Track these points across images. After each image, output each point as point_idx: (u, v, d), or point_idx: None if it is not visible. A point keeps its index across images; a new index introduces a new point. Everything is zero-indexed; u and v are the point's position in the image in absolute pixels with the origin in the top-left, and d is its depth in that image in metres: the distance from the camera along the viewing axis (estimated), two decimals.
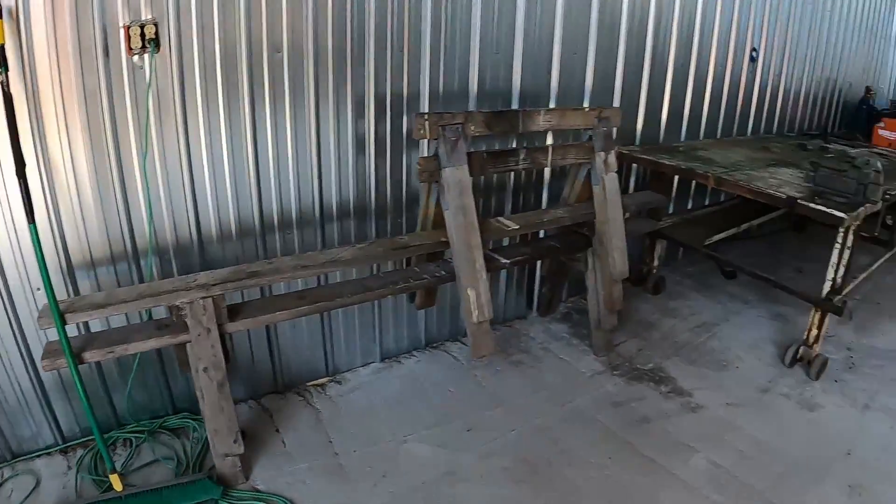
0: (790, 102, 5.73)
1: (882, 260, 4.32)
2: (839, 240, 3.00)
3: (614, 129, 3.02)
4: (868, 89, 6.90)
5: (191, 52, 2.25)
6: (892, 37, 7.48)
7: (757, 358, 3.35)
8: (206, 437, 2.23)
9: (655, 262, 3.93)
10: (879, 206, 3.26)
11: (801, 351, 3.44)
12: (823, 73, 6.17)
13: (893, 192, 3.51)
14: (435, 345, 3.21)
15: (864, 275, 3.94)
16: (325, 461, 2.35)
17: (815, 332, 3.38)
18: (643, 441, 2.60)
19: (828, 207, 2.86)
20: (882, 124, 6.34)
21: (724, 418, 2.82)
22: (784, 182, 3.49)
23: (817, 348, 3.42)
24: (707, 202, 4.98)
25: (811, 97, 6.12)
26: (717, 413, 2.85)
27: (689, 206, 4.39)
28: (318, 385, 2.83)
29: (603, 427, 2.70)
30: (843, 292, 3.39)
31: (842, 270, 3.23)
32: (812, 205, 3.04)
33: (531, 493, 2.30)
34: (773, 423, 2.81)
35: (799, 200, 3.08)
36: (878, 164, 3.31)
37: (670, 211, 4.15)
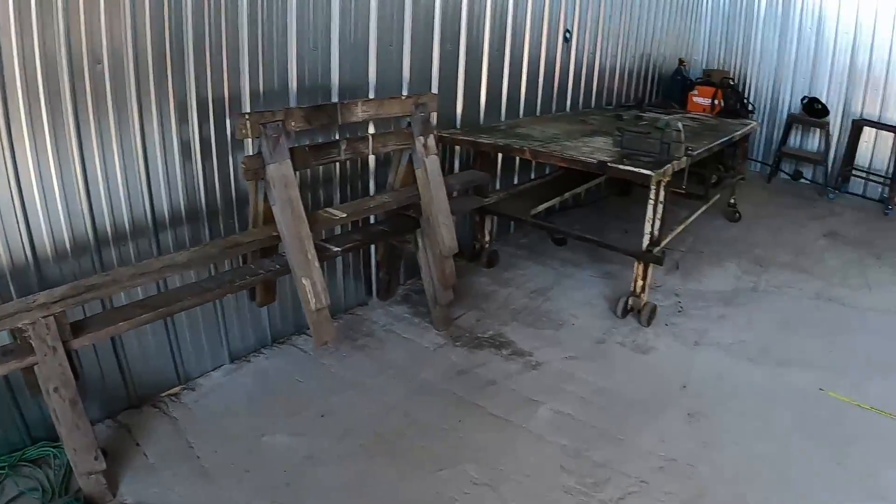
0: (606, 77, 7.24)
1: (699, 212, 5.85)
2: (652, 196, 3.88)
3: (433, 115, 3.65)
4: (681, 61, 8.74)
5: (11, 68, 2.44)
6: (702, 12, 9.59)
7: (591, 314, 4.27)
8: (68, 461, 2.49)
9: (487, 237, 4.87)
10: (684, 162, 4.48)
11: (630, 301, 4.51)
12: (638, 48, 7.77)
13: (698, 150, 4.93)
14: (281, 340, 3.72)
15: (681, 227, 5.35)
16: (188, 466, 2.74)
17: (640, 282, 4.47)
18: (491, 402, 3.26)
19: (635, 167, 3.76)
20: (695, 92, 8.22)
21: (565, 371, 3.59)
22: (597, 149, 4.26)
23: (645, 297, 4.57)
24: (533, 176, 6.32)
25: (628, 71, 7.69)
26: (557, 367, 3.61)
27: (516, 182, 5.56)
28: (172, 394, 3.22)
29: (451, 395, 3.31)
30: (662, 244, 4.51)
31: (658, 224, 4.03)
32: (621, 166, 3.83)
33: (388, 463, 2.80)
34: (610, 370, 3.62)
35: (609, 164, 3.85)
36: (679, 125, 4.61)
37: (497, 187, 5.32)
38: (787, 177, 9.67)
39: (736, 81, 9.48)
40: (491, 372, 3.54)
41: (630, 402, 3.37)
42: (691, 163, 4.47)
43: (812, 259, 6.20)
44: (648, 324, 4.22)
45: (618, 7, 6.36)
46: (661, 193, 3.92)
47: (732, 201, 7.04)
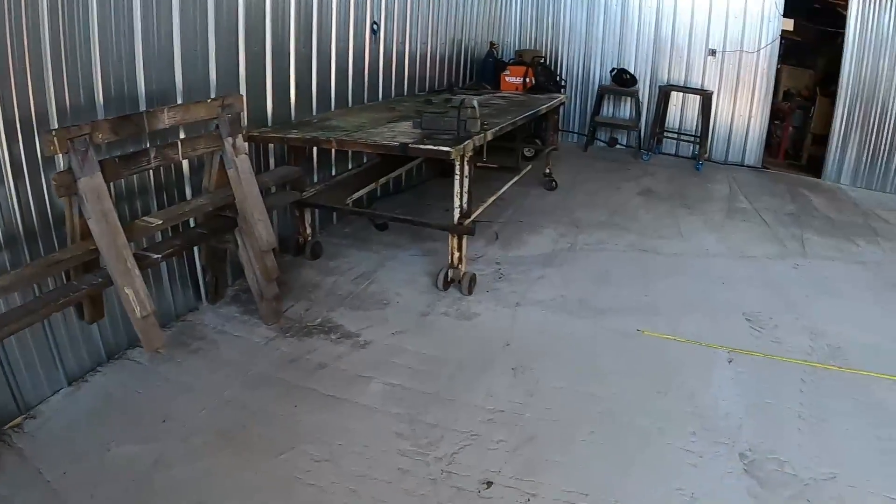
0: (418, 65, 7.92)
1: (510, 183, 6.66)
2: (457, 172, 4.30)
3: (241, 115, 3.94)
4: (492, 44, 9.71)
5: None
6: None
7: (415, 290, 4.66)
8: None
9: (308, 230, 5.12)
10: (482, 137, 4.92)
11: (450, 273, 4.69)
12: (449, 34, 8.57)
13: (501, 124, 5.55)
14: (117, 355, 3.80)
15: (493, 198, 6.11)
16: (39, 492, 2.80)
17: (457, 254, 4.66)
18: (323, 384, 3.50)
19: (435, 145, 4.14)
20: (507, 72, 9.21)
21: (393, 346, 3.92)
22: (401, 133, 4.58)
23: (463, 267, 5.06)
24: (350, 166, 6.80)
25: (440, 57, 8.45)
26: (385, 343, 3.93)
27: (334, 173, 6.11)
28: (14, 426, 3.24)
29: (285, 383, 3.55)
30: (472, 216, 5.10)
31: (465, 197, 4.47)
32: (421, 146, 4.19)
33: (232, 455, 2.98)
34: (436, 339, 4.01)
35: (410, 145, 4.19)
36: (475, 103, 5.21)
37: (316, 180, 5.81)
38: (603, 144, 10.99)
39: (547, 59, 10.65)
40: (321, 356, 3.81)
41: (457, 365, 3.74)
42: (495, 137, 5.12)
43: (627, 216, 7.26)
44: (470, 292, 4.68)
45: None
46: (466, 168, 4.35)
47: (548, 171, 7.99)
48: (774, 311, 4.86)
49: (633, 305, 4.74)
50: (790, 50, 13.69)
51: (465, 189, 4.51)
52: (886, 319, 4.92)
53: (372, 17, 6.16)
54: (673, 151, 10.78)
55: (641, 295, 4.93)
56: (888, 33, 10.00)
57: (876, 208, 9.24)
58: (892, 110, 10.27)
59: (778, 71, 13.19)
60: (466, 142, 4.30)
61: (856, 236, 7.48)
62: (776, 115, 12.18)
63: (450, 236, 4.61)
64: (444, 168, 7.82)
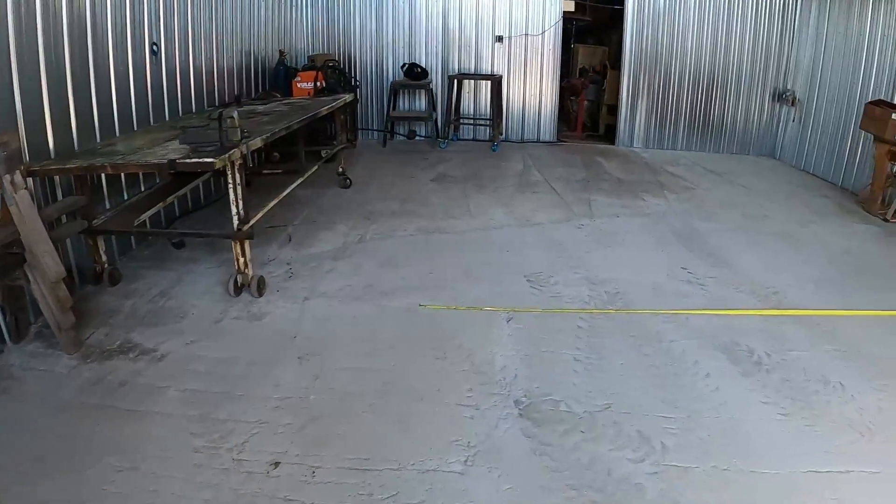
0: (205, 80, 8.03)
1: (293, 186, 6.88)
2: (230, 180, 4.54)
3: (19, 151, 4.02)
4: (281, 52, 10.15)
5: None
6: (301, 4, 11.30)
7: (210, 300, 4.82)
8: None
9: (104, 257, 5.14)
10: (246, 145, 5.12)
11: (239, 279, 4.87)
12: (237, 47, 8.88)
13: (275, 130, 5.71)
14: None
15: (274, 201, 6.32)
16: None
17: (242, 259, 4.82)
18: (123, 400, 3.61)
19: (200, 158, 4.25)
20: (298, 78, 9.68)
21: (188, 354, 4.07)
22: (174, 150, 4.61)
23: (250, 271, 4.94)
24: (143, 189, 7.43)
25: (228, 71, 8.69)
26: (180, 353, 4.08)
27: (126, 197, 6.60)
28: None
29: (89, 405, 3.62)
30: (252, 221, 5.35)
31: (241, 204, 4.65)
32: (187, 160, 4.25)
33: (44, 480, 3.08)
34: (228, 342, 4.20)
35: (177, 161, 4.24)
36: (234, 113, 5.23)
37: (108, 206, 6.01)
38: (403, 138, 11.96)
39: (340, 61, 11.54)
40: (122, 375, 3.92)
41: (248, 363, 3.97)
42: (278, 142, 5.67)
43: (419, 202, 8.01)
44: (260, 294, 4.93)
45: (207, 12, 7.31)
46: (238, 176, 4.61)
47: (341, 170, 8.59)
48: (556, 269, 5.53)
49: (417, 284, 5.14)
50: (586, 30, 15.55)
51: (240, 196, 4.73)
52: (664, 261, 5.82)
53: (151, 37, 6.25)
54: (471, 136, 12.03)
55: (427, 273, 5.37)
56: (663, 7, 11.72)
57: (665, 165, 10.78)
58: (673, 77, 11.96)
59: (574, 50, 15.08)
60: (231, 151, 4.48)
61: (643, 192, 8.77)
62: (573, 91, 13.78)
63: (233, 243, 4.84)
64: (246, 179, 8.55)
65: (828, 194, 9.45)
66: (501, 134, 11.25)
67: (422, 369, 4.00)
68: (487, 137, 11.63)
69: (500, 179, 8.76)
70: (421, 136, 11.85)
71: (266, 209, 5.92)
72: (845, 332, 4.72)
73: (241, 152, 4.73)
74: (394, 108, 11.67)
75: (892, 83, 8.68)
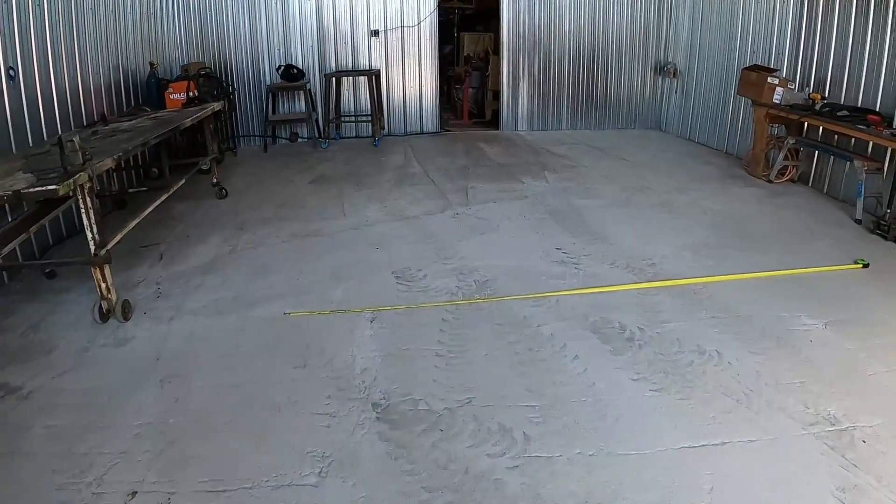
0: (70, 102, 7.37)
1: (156, 204, 6.67)
2: (81, 205, 4.37)
3: None
4: (151, 64, 9.63)
5: None
6: (171, 13, 10.74)
7: (79, 330, 4.55)
8: None
9: None
10: (92, 168, 4.92)
11: (104, 305, 4.55)
12: (104, 63, 8.29)
13: (131, 146, 5.46)
14: None
15: (135, 221, 6.13)
16: None
17: (104, 284, 4.52)
18: None
19: (43, 186, 4.07)
20: (171, 90, 9.17)
21: (55, 388, 3.90)
22: (22, 179, 4.65)
23: (113, 296, 5.07)
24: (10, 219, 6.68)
25: (97, 89, 8.03)
26: (47, 388, 3.92)
27: None
28: None
29: None
30: (109, 245, 5.09)
31: (96, 228, 4.40)
32: (32, 189, 4.04)
33: None
34: (96, 371, 4.02)
35: (23, 191, 4.04)
36: (75, 137, 5.36)
37: None
38: (286, 141, 11.60)
39: (216, 68, 11.14)
40: None
41: (112, 391, 3.81)
42: (123, 160, 5.33)
43: (294, 207, 7.72)
44: (126, 318, 4.69)
45: (68, 29, 6.89)
46: (89, 200, 4.43)
47: (215, 180, 8.23)
48: (425, 262, 5.45)
49: (284, 291, 5.02)
50: (473, 17, 15.36)
51: (93, 221, 4.56)
52: (539, 243, 5.84)
53: (6, 62, 5.83)
54: (354, 134, 11.74)
55: (295, 279, 5.24)
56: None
57: (548, 146, 10.71)
58: (553, 57, 11.87)
59: (458, 38, 14.85)
60: (75, 176, 4.33)
61: (523, 175, 8.69)
62: (457, 80, 13.56)
63: (92, 269, 4.63)
64: (116, 201, 8.01)
65: (712, 161, 9.54)
66: (383, 129, 11.12)
67: (282, 380, 3.87)
68: (370, 134, 11.30)
69: (378, 175, 8.63)
70: (304, 137, 11.49)
71: (125, 231, 5.51)
72: (722, 298, 4.77)
73: (89, 175, 4.60)
74: (273, 112, 11.30)
75: (768, 49, 8.86)
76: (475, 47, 14.19)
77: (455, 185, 7.93)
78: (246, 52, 11.44)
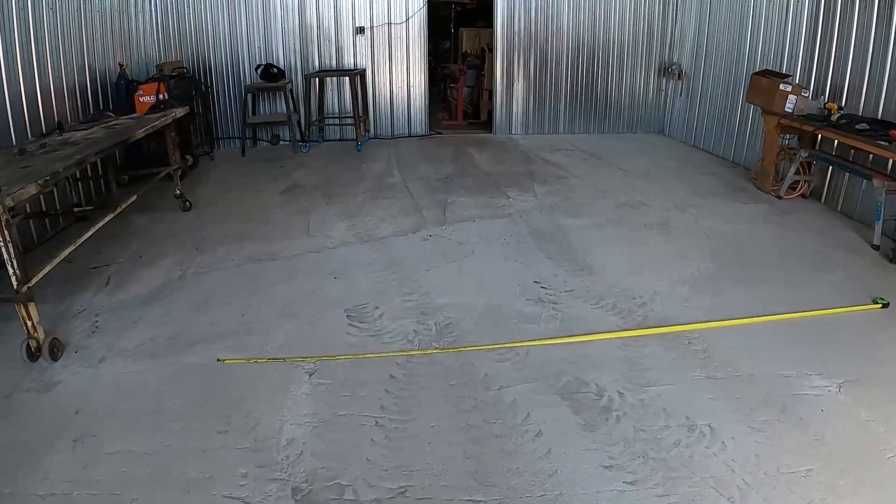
0: (26, 108, 6.71)
1: (97, 227, 6.09)
2: None
3: None
4: (121, 65, 8.96)
5: None
6: (145, 8, 10.13)
7: (7, 371, 4.18)
8: None
9: None
10: (4, 197, 4.62)
11: (31, 344, 4.52)
12: (70, 64, 7.62)
13: (60, 170, 4.90)
14: None
15: (67, 251, 5.52)
16: None
17: (30, 322, 4.52)
18: None
19: None
20: (140, 91, 8.50)
21: None
22: None
23: (40, 334, 4.57)
24: None
25: (61, 93, 7.40)
26: None
27: None
28: None
29: None
30: (34, 280, 4.58)
31: (16, 262, 4.36)
32: None
33: None
34: (14, 421, 3.65)
35: None
36: None
37: None
38: (268, 144, 10.98)
39: (195, 68, 10.55)
40: None
41: (25, 449, 3.43)
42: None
43: (259, 222, 7.06)
44: (55, 359, 4.32)
45: (24, 31, 6.48)
46: (6, 233, 4.09)
47: (178, 191, 7.62)
48: (385, 297, 4.90)
49: (226, 329, 4.52)
50: (473, 13, 14.62)
51: (12, 255, 4.18)
52: (516, 274, 5.30)
53: None
54: (338, 136, 11.13)
55: (240, 315, 4.73)
56: None
57: (542, 152, 9.99)
58: (551, 56, 11.17)
59: (457, 34, 14.10)
60: None
61: (509, 187, 8.00)
62: (453, 78, 12.90)
63: (16, 307, 4.25)
64: (83, 215, 7.28)
65: (717, 171, 8.83)
66: (368, 131, 10.71)
67: (200, 448, 3.36)
68: (349, 136, 10.76)
69: (354, 185, 8.09)
70: (286, 140, 10.79)
71: (51, 266, 4.85)
72: (720, 350, 4.16)
73: (4, 207, 4.12)
74: (254, 113, 10.71)
75: (780, 52, 8.13)
76: (472, 43, 13.40)
77: (434, 199, 7.34)
78: (225, 50, 10.79)
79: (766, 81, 7.60)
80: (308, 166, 9.47)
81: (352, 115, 10.74)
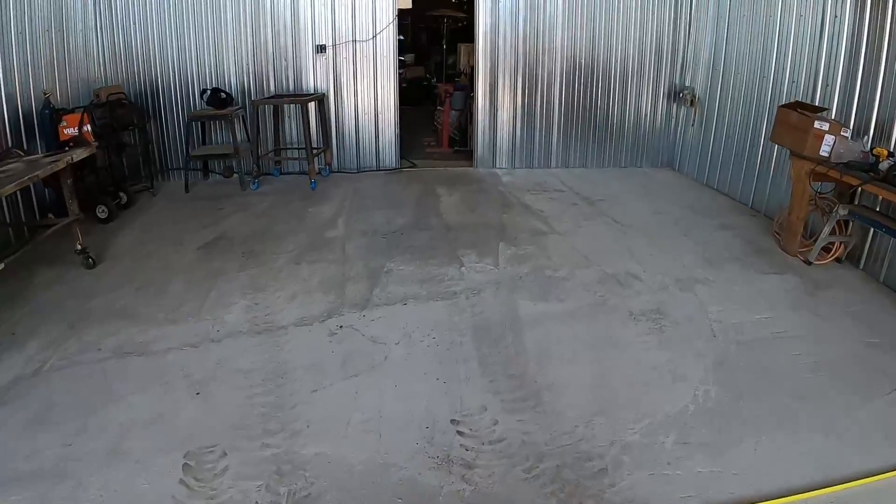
0: None
1: None
2: None
3: None
4: (45, 93, 7.52)
5: None
6: (91, 26, 8.68)
7: None
8: None
9: None
10: None
11: None
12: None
13: None
14: None
15: None
16: None
17: None
18: None
19: None
20: (64, 123, 7.23)
21: None
22: None
23: None
24: None
25: None
26: None
27: None
28: None
29: None
30: None
31: None
32: None
33: None
34: None
35: None
36: None
37: None
38: (220, 177, 9.46)
39: (142, 92, 9.07)
40: None
41: None
42: None
43: (153, 293, 5.51)
44: None
45: None
46: None
47: (79, 247, 6.13)
48: (241, 436, 3.50)
49: (40, 467, 3.29)
50: (469, 28, 12.86)
51: None
52: (430, 402, 3.81)
53: None
54: (299, 169, 9.31)
55: (66, 444, 3.44)
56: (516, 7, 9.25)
57: (526, 193, 8.28)
58: (542, 77, 9.39)
59: (456, 50, 12.61)
60: None
61: (468, 249, 6.23)
62: (440, 100, 11.44)
63: None
64: None
65: (733, 222, 7.08)
66: (330, 164, 9.29)
67: None
68: (318, 168, 9.03)
69: (286, 240, 6.53)
70: (237, 172, 9.03)
71: None
72: None
73: None
74: (204, 142, 9.17)
75: (812, 78, 6.39)
76: (468, 59, 11.96)
77: (368, 267, 5.76)
78: (175, 72, 9.13)
79: (796, 117, 5.83)
80: (248, 209, 7.82)
81: (315, 146, 9.24)
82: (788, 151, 6.11)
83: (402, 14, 9.36)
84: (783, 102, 6.52)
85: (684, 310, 4.99)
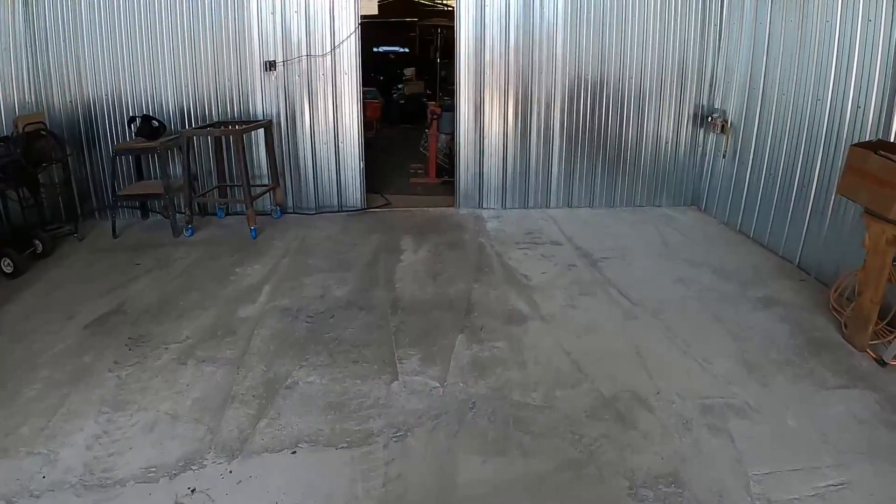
0: None
1: None
2: None
3: None
4: None
5: None
6: (15, 46, 7.24)
7: None
8: None
9: None
10: None
11: None
12: None
13: None
14: None
15: None
16: None
17: None
18: None
19: None
20: None
21: None
22: None
23: None
24: None
25: None
26: None
27: None
28: None
29: None
30: None
31: None
32: None
33: None
34: None
35: None
36: None
37: None
38: (161, 216, 7.73)
39: (61, 122, 7.58)
40: None
41: None
42: None
43: (2, 397, 3.96)
44: None
45: None
46: None
47: None
48: None
49: None
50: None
51: None
52: None
53: None
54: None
55: None
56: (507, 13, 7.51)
57: (510, 248, 6.51)
58: (541, 98, 7.66)
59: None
60: None
61: (414, 347, 4.49)
62: (427, 121, 9.69)
63: None
64: None
65: (777, 295, 5.27)
66: (280, 204, 7.75)
67: None
68: (268, 208, 7.62)
69: (188, 318, 5.00)
70: (181, 211, 7.46)
71: None
72: None
73: None
74: (141, 177, 7.64)
75: (887, 104, 4.64)
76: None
77: (267, 377, 4.14)
78: (107, 98, 7.67)
79: (876, 162, 4.08)
80: (168, 266, 6.21)
81: (265, 183, 7.77)
82: (862, 207, 4.38)
83: (408, 26, 7.64)
84: (843, 130, 5.04)
85: (712, 474, 3.18)
